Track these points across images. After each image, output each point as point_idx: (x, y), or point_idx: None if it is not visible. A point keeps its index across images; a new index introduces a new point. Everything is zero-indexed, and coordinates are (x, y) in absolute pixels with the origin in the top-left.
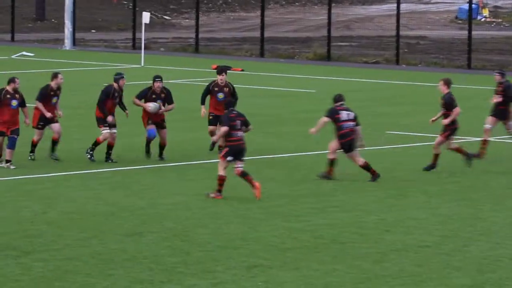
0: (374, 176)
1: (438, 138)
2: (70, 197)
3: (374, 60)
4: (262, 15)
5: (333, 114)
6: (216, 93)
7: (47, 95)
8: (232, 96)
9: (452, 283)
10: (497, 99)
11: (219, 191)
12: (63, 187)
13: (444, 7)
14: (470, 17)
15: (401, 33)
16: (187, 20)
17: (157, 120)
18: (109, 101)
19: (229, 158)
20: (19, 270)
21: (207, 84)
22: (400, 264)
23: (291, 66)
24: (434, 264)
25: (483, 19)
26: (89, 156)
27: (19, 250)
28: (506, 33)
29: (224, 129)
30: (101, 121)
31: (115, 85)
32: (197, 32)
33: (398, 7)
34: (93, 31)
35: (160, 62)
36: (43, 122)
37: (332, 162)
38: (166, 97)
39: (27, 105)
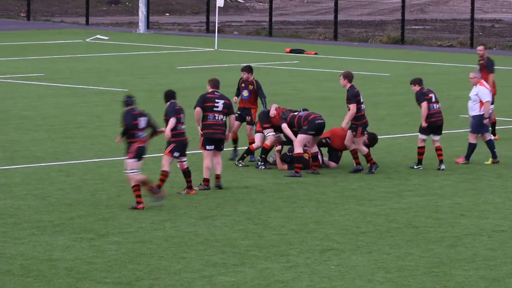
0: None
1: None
2: None
3: (449, 44)
4: None
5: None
6: (242, 89)
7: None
8: (256, 93)
9: None
10: None
11: (160, 186)
12: None
13: None
14: None
15: (476, 16)
16: (260, 4)
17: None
18: None
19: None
20: (93, 252)
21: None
22: (474, 248)
23: (364, 49)
24: (509, 249)
25: None
26: (263, 167)
27: (94, 232)
28: None
29: (173, 121)
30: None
31: None
32: (270, 15)
33: None
34: (167, 14)
35: (233, 46)
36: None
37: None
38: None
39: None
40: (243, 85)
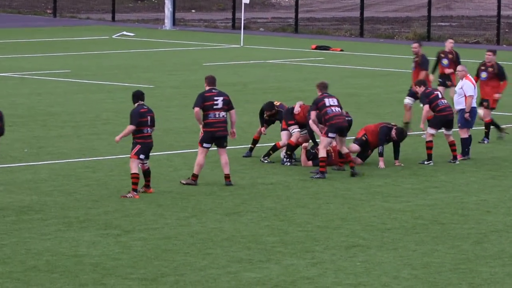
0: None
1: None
2: (171, 176)
3: (475, 40)
4: None
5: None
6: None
7: None
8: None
9: None
10: None
11: (135, 190)
12: (165, 166)
13: None
14: None
15: (502, 12)
16: (286, 0)
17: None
18: None
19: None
20: (119, 248)
21: (260, 111)
22: (501, 245)
23: (390, 46)
24: None
25: None
26: (288, 164)
27: (120, 229)
28: None
29: (130, 128)
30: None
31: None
32: (296, 12)
33: None
34: (193, 11)
35: (259, 42)
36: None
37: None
38: None
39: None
40: (266, 118)
